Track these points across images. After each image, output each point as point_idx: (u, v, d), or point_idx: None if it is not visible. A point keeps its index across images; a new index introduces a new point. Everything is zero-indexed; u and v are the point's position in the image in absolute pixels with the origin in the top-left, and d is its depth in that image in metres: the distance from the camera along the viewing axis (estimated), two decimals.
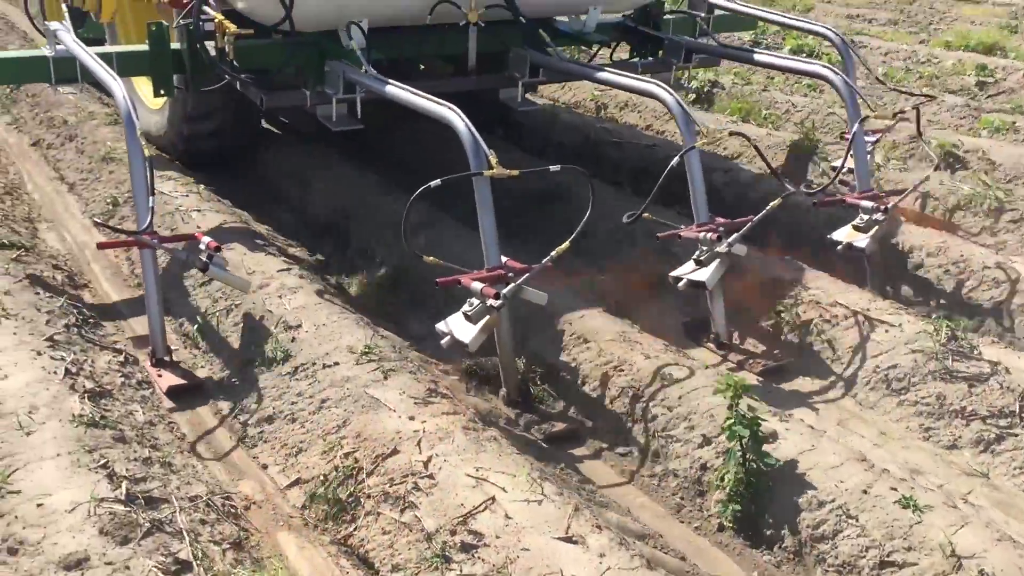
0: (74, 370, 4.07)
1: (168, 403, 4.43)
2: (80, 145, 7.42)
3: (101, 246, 4.68)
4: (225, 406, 4.46)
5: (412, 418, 3.86)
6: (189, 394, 4.52)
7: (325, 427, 4.01)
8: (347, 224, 6.27)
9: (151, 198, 4.50)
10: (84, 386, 3.96)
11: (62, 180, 7.14)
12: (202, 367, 4.73)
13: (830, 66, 5.96)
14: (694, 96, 8.89)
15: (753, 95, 8.81)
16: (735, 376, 3.95)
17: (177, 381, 4.54)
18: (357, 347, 4.39)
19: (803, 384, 4.85)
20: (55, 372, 3.99)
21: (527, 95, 6.37)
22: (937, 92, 8.72)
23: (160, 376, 4.57)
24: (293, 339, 4.59)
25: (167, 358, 4.67)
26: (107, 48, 5.81)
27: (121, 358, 4.53)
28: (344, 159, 7.18)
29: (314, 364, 4.38)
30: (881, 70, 9.65)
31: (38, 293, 4.83)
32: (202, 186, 6.43)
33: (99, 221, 5.65)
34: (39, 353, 4.12)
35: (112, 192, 6.46)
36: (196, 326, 4.97)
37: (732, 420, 3.80)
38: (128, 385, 4.30)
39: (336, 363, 4.33)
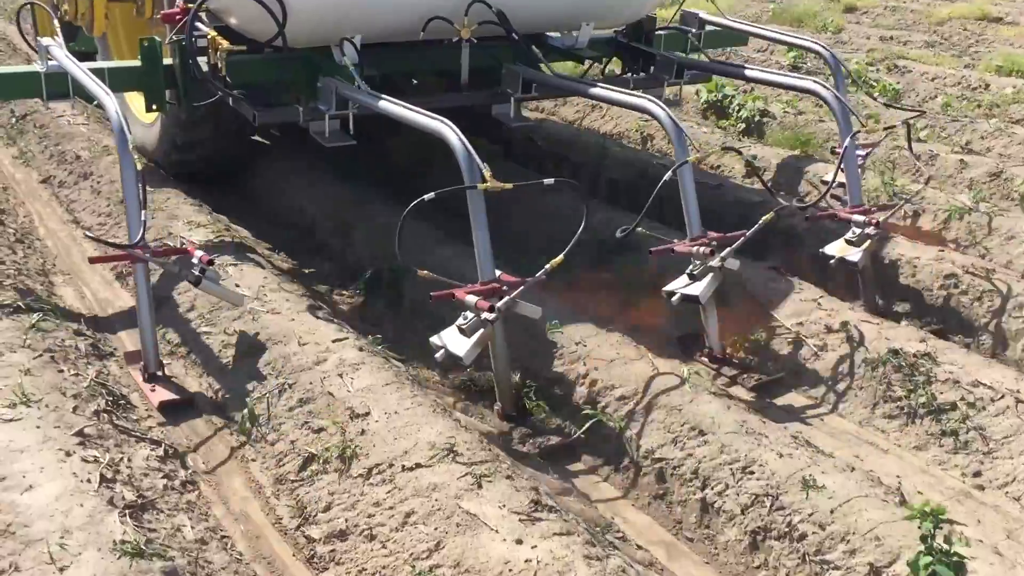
0: (110, 475, 3.53)
1: (161, 417, 4.42)
2: (96, 184, 6.88)
3: (93, 260, 4.66)
4: (285, 513, 3.83)
5: (519, 541, 3.28)
6: (181, 409, 4.49)
7: (413, 550, 3.39)
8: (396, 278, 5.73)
9: (143, 212, 4.50)
10: (124, 497, 3.42)
11: (77, 224, 6.54)
12: (258, 463, 4.11)
13: (820, 81, 5.99)
14: (743, 126, 8.55)
15: (808, 125, 8.33)
16: (928, 503, 3.24)
17: (169, 396, 4.52)
18: (439, 443, 3.77)
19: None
20: (88, 479, 3.43)
21: (521, 111, 6.39)
22: (1004, 123, 8.41)
23: (153, 391, 4.54)
24: (362, 431, 3.94)
25: (160, 372, 4.65)
26: (99, 63, 5.81)
27: (160, 451, 3.99)
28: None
29: (391, 466, 3.73)
30: (940, 99, 9.41)
31: (62, 371, 4.26)
32: (244, 231, 6.23)
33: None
34: (68, 454, 3.57)
35: None
36: (245, 412, 4.28)
37: (929, 560, 3.14)
38: (171, 488, 3.75)
39: (417, 465, 3.69)
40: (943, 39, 12.95)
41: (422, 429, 3.86)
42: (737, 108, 8.90)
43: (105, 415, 4.05)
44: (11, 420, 3.74)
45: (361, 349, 4.52)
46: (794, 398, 4.87)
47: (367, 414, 4.02)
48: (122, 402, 4.33)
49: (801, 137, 8.09)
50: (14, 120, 8.67)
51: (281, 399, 4.30)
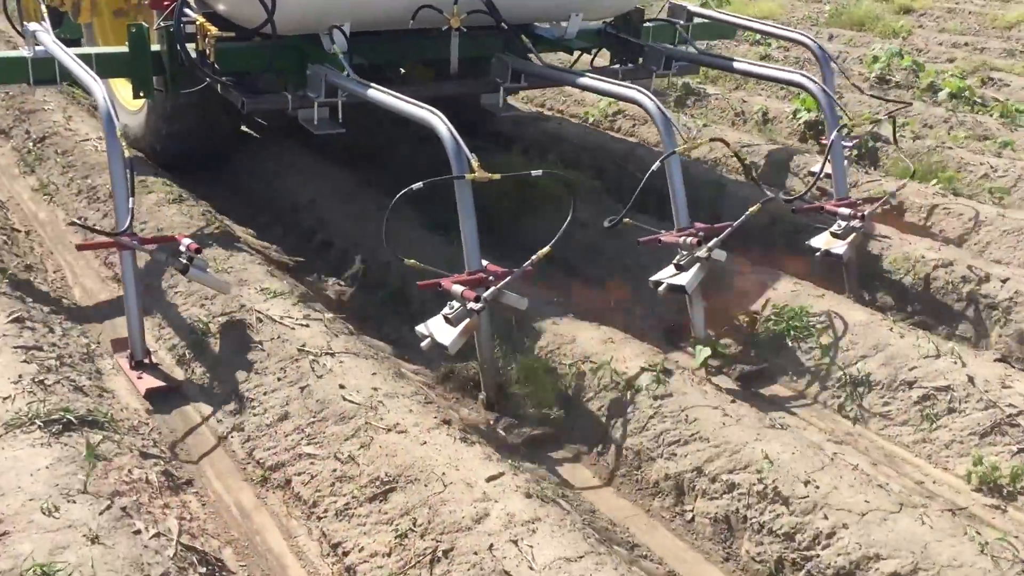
0: None
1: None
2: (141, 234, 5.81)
3: (80, 247, 4.66)
4: None
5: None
6: (167, 396, 4.51)
7: None
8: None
9: (131, 199, 4.50)
10: None
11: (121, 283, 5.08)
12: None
13: (807, 74, 6.02)
14: (856, 154, 7.41)
15: (933, 153, 7.24)
16: None
17: (156, 383, 4.53)
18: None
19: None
20: None
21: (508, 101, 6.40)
22: None
23: (140, 378, 4.55)
24: None
25: (146, 360, 4.65)
26: (87, 49, 5.81)
27: None
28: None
29: None
30: None
31: (138, 531, 3.16)
32: (272, 251, 5.94)
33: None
34: None
35: (203, 311, 4.91)
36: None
37: None
38: None
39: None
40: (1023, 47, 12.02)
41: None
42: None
43: None
44: None
45: (529, 495, 3.42)
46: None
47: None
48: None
49: (924, 166, 6.98)
50: (31, 144, 7.62)
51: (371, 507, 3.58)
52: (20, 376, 3.96)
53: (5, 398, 3.79)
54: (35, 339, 4.39)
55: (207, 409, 4.40)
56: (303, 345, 4.42)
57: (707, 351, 4.80)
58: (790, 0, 15.24)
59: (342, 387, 4.10)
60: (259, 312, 4.73)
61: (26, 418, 3.61)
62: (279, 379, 4.31)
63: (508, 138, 8.01)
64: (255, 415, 4.23)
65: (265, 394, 4.28)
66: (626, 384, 4.39)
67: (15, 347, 4.24)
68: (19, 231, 6.20)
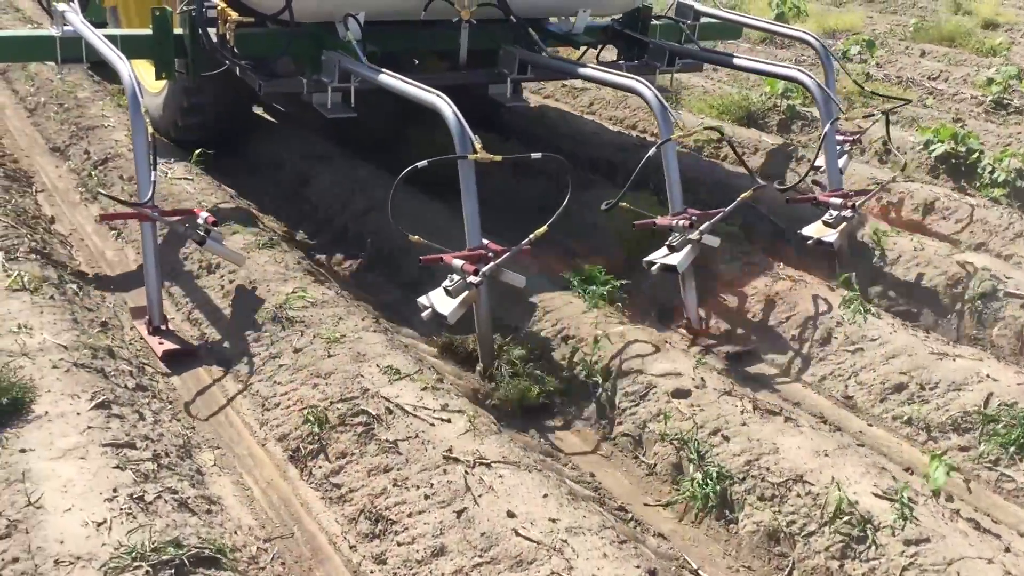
0: None
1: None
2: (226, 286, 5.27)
3: (102, 218, 4.90)
4: None
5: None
6: (183, 359, 4.74)
7: None
8: None
9: (153, 172, 4.73)
10: None
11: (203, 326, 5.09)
12: None
13: (803, 70, 6.23)
14: (1002, 191, 6.99)
15: None
16: None
17: (172, 346, 4.78)
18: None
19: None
20: None
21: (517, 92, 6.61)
22: None
23: (161, 344, 4.80)
24: None
25: (163, 326, 4.90)
26: (112, 31, 6.04)
27: None
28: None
29: None
30: None
31: None
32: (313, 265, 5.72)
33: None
34: None
35: (318, 392, 4.23)
36: None
37: None
38: None
39: None
40: None
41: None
42: (988, 168, 7.19)
43: None
44: None
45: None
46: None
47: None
48: None
49: None
50: (91, 167, 6.91)
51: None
52: (115, 491, 3.31)
53: (100, 524, 3.15)
54: (125, 431, 3.69)
55: (336, 528, 3.65)
56: (449, 450, 3.73)
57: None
58: (873, 12, 14.92)
59: (511, 515, 3.40)
60: (387, 400, 4.04)
61: (129, 558, 2.99)
62: (426, 496, 3.55)
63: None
64: (400, 543, 3.44)
65: (410, 516, 3.51)
66: None
67: (104, 445, 3.57)
68: (87, 277, 5.53)
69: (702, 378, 4.45)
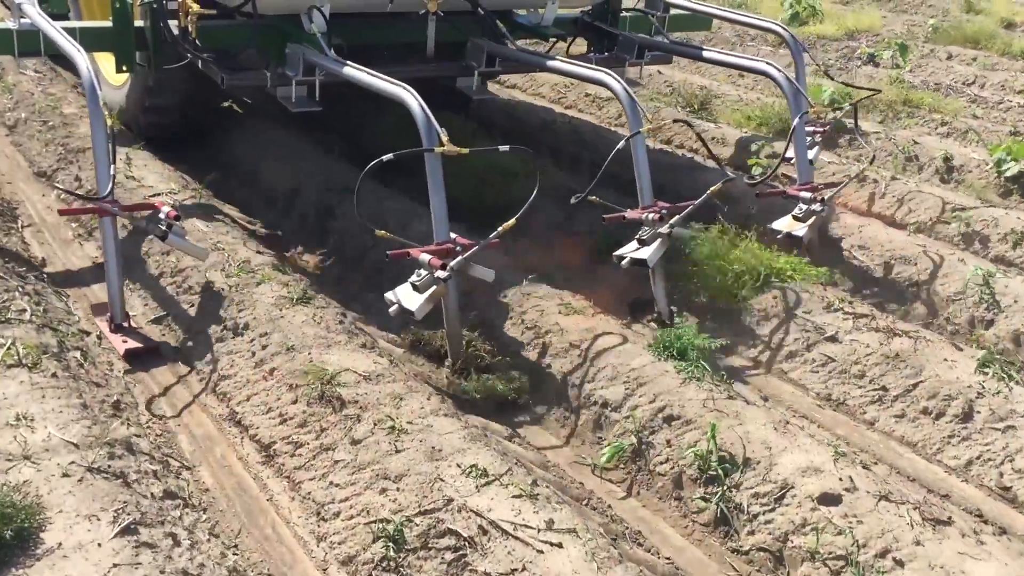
0: None
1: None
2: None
3: (63, 212, 4.80)
4: None
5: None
6: (146, 357, 4.65)
7: None
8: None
9: (112, 166, 4.64)
10: None
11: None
12: None
13: (772, 63, 6.20)
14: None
15: None
16: None
17: (135, 345, 4.69)
18: None
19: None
20: None
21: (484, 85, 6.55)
22: None
23: (124, 342, 4.70)
24: None
25: (125, 324, 4.81)
26: (71, 23, 5.93)
27: None
28: None
29: None
30: None
31: None
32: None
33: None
34: None
35: (387, 500, 3.52)
36: None
37: None
38: None
39: None
40: None
41: None
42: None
43: None
44: None
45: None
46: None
47: None
48: None
49: None
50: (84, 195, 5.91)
51: None
52: None
53: None
54: (159, 565, 3.00)
55: None
56: None
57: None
58: (884, 11, 13.98)
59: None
60: (478, 515, 3.36)
61: None
62: None
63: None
64: None
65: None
66: None
67: None
68: (88, 338, 4.74)
69: (850, 477, 3.72)
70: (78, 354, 4.38)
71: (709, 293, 5.31)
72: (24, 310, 4.50)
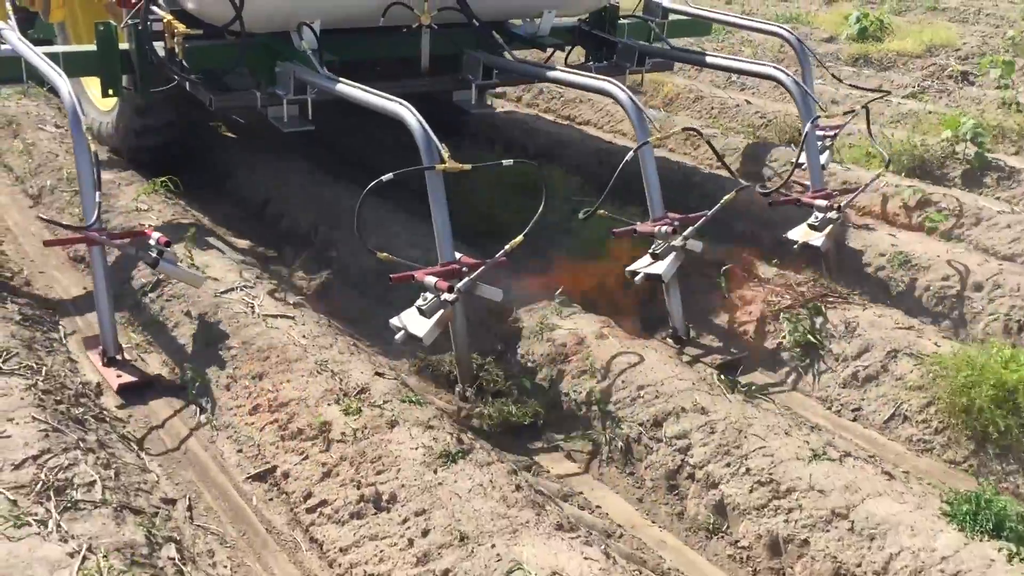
0: None
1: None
2: None
3: (48, 243, 4.59)
4: None
5: None
6: (140, 391, 4.42)
7: None
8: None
9: (98, 193, 4.44)
10: None
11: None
12: None
13: (779, 67, 6.01)
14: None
15: None
16: None
17: (129, 379, 4.48)
18: None
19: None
20: None
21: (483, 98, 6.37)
22: None
23: (118, 377, 4.49)
24: None
25: (119, 356, 4.60)
26: (54, 48, 5.73)
27: None
28: None
29: None
30: None
31: None
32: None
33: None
34: None
35: None
36: None
37: None
38: None
39: None
40: None
41: None
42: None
43: None
44: None
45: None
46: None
47: None
48: None
49: None
50: (136, 293, 5.13)
51: None
52: None
53: None
54: None
55: None
56: None
57: None
58: (950, 23, 12.73)
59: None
60: None
61: None
62: None
63: None
64: None
65: None
66: None
67: None
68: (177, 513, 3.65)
69: None
70: (174, 551, 3.24)
71: None
72: (93, 481, 3.35)
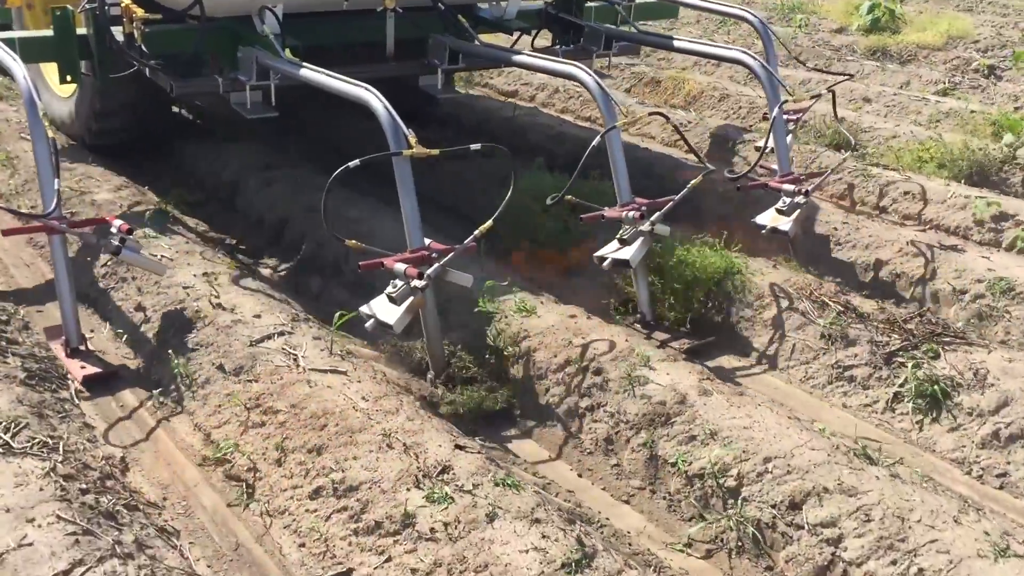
0: None
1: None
2: None
3: (7, 232, 4.49)
4: None
5: None
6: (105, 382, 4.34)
7: None
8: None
9: (57, 180, 4.35)
10: None
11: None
12: None
13: (746, 51, 5.99)
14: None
15: None
16: None
17: (94, 370, 4.40)
18: None
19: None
20: None
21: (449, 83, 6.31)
22: None
23: (82, 368, 4.41)
24: None
25: (82, 347, 4.52)
26: (10, 33, 5.62)
27: None
28: None
29: None
30: None
31: None
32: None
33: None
34: None
35: None
36: None
37: None
38: None
39: None
40: None
41: None
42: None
43: None
44: None
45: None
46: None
47: None
48: None
49: None
50: (182, 366, 4.27)
51: None
52: None
53: None
54: None
55: None
56: None
57: None
58: (959, 12, 12.52)
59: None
60: None
61: None
62: None
63: None
64: None
65: None
66: None
67: None
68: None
69: None
70: None
71: None
72: None
